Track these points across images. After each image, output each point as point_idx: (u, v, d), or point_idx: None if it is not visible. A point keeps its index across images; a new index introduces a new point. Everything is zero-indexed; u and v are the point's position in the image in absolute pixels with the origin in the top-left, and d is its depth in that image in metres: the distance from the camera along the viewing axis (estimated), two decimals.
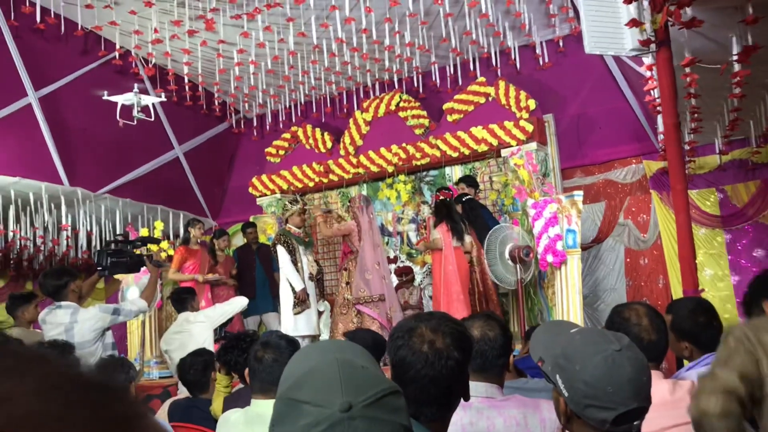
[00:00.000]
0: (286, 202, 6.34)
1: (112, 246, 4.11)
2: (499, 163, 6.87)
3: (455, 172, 7.16)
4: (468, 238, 5.77)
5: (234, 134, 9.08)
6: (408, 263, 7.16)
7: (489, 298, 5.87)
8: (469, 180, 6.41)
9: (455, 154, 6.79)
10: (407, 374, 1.31)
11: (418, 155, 7.00)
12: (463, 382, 1.35)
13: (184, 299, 4.70)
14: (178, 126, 8.21)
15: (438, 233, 5.61)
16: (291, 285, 5.94)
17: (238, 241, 8.46)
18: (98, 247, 6.63)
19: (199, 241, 6.75)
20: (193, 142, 8.55)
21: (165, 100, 6.87)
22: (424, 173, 7.48)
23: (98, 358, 3.44)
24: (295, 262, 5.99)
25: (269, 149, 8.35)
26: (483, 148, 6.61)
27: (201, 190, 8.84)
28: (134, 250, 4.10)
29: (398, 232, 7.63)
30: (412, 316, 1.41)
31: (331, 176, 7.66)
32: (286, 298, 6.00)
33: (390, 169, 7.27)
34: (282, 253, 6.02)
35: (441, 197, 5.70)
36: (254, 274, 7.08)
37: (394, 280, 7.10)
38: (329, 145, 7.90)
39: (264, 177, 8.14)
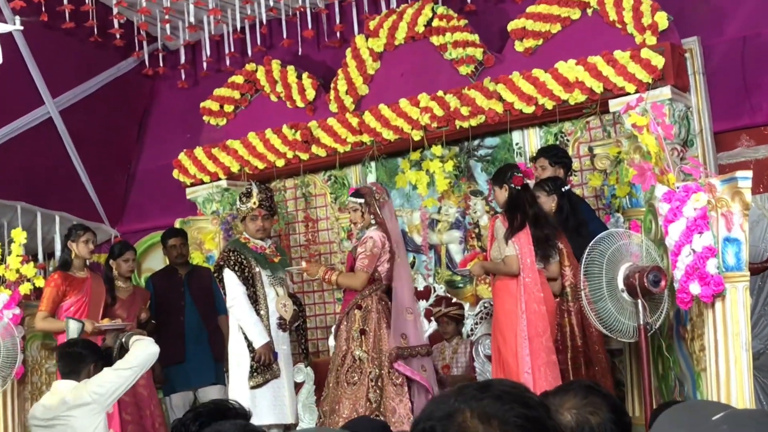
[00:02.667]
0: (238, 196, 6.36)
1: None
2: (605, 125, 6.87)
3: (529, 140, 7.15)
4: (557, 258, 5.76)
5: (146, 78, 9.12)
6: (451, 299, 7.15)
7: (591, 358, 5.87)
8: (555, 153, 6.39)
9: (529, 109, 6.78)
10: None
11: (464, 111, 6.99)
12: None
13: (81, 357, 4.91)
14: (52, 65, 8.25)
15: (513, 247, 5.61)
16: (246, 338, 5.95)
17: (156, 262, 8.51)
18: None
19: (87, 263, 6.80)
20: (77, 92, 8.59)
21: (22, 28, 6.85)
22: (476, 142, 7.43)
23: None
24: (254, 299, 6.00)
25: (207, 103, 8.35)
26: (577, 98, 6.60)
27: (90, 175, 8.86)
28: None
29: (431, 245, 7.63)
30: (451, 392, 1.42)
31: (314, 149, 7.66)
32: (238, 362, 6.02)
33: (416, 135, 7.27)
34: (232, 282, 6.02)
35: (517, 183, 5.71)
36: (182, 320, 7.16)
37: (426, 328, 7.09)
38: (311, 94, 7.90)
39: (199, 151, 8.14)
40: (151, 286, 7.40)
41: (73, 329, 5.90)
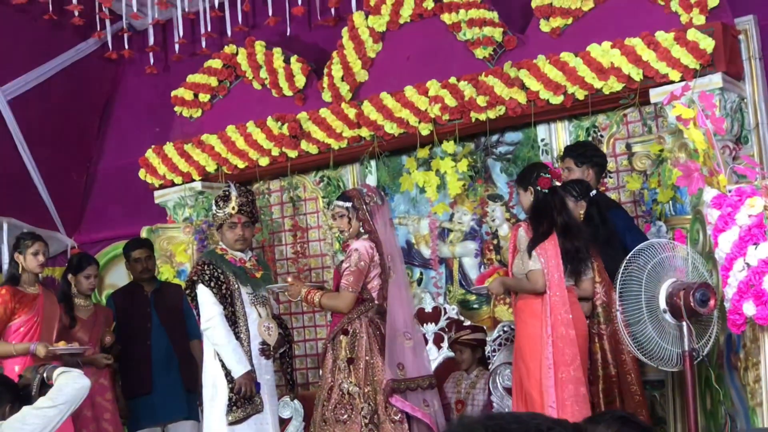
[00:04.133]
0: (214, 200, 6.34)
1: None
2: (645, 118, 6.89)
3: (557, 136, 7.16)
4: (590, 274, 5.76)
5: (109, 63, 9.14)
6: (463, 321, 7.18)
7: (626, 390, 5.85)
8: (583, 152, 6.38)
9: (557, 99, 6.79)
10: None
11: (481, 101, 7.00)
12: None
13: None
14: None
15: (538, 260, 5.60)
16: (224, 366, 5.95)
17: (119, 277, 8.53)
18: None
19: (40, 278, 6.84)
20: (28, 79, 8.56)
21: None
22: (495, 138, 7.45)
23: None
24: (233, 320, 5.99)
25: (179, 92, 8.38)
26: (613, 87, 6.60)
27: (43, 175, 8.85)
28: None
29: (441, 259, 7.65)
30: (466, 422, 1.45)
31: (304, 145, 7.69)
32: (214, 393, 6.01)
33: (425, 129, 7.28)
34: (207, 301, 6.01)
35: (543, 186, 5.68)
36: (148, 344, 7.18)
37: (434, 356, 7.10)
38: (300, 81, 7.93)
39: (169, 148, 8.18)
40: (112, 305, 7.41)
41: None
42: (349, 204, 5.95)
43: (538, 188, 5.71)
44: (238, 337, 6.00)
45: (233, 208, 6.16)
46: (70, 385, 4.71)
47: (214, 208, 6.30)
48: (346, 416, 5.72)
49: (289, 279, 6.26)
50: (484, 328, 6.97)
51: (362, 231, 5.93)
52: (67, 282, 7.03)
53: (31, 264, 6.65)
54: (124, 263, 7.66)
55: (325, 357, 5.97)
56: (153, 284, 7.41)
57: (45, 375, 4.82)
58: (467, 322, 7.11)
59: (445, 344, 7.11)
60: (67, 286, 7.01)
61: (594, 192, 6.16)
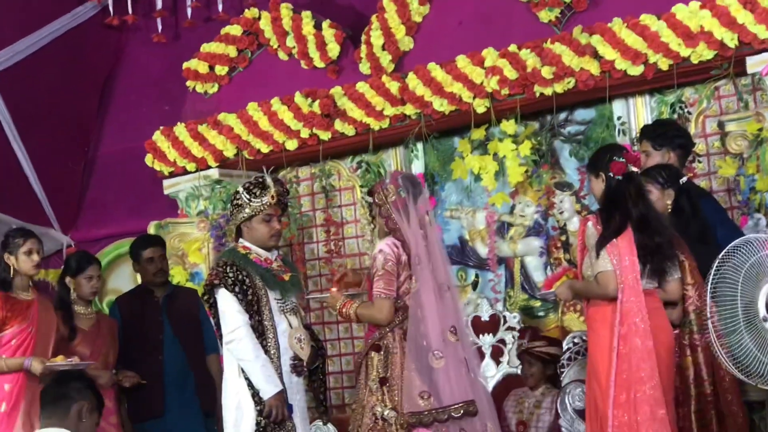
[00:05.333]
0: (240, 190, 6.25)
1: None
2: (741, 92, 6.87)
3: (636, 113, 7.17)
4: (677, 275, 5.76)
5: (111, 30, 9.17)
6: (540, 331, 7.24)
7: (726, 411, 5.81)
8: (662, 133, 6.36)
9: (636, 70, 6.79)
10: None
11: (546, 73, 7.01)
12: None
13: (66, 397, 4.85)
14: None
15: (609, 260, 5.61)
16: (251, 385, 5.89)
17: (122, 281, 8.57)
18: None
19: (32, 280, 6.79)
20: (17, 49, 8.58)
21: None
22: (563, 116, 7.49)
23: None
24: (260, 332, 5.93)
25: (192, 64, 8.45)
26: (703, 55, 6.59)
27: (35, 163, 8.89)
28: None
29: (500, 259, 7.67)
30: None
31: (339, 125, 7.73)
32: (238, 417, 5.95)
33: (480, 106, 7.30)
34: (230, 309, 5.95)
35: (617, 172, 5.63)
36: (160, 359, 7.17)
37: (488, 372, 7.10)
38: (334, 51, 7.98)
39: (180, 129, 8.24)
40: (117, 313, 7.38)
41: None
42: (371, 200, 6.03)
43: (611, 174, 5.65)
44: (266, 351, 5.87)
45: (272, 197, 6.08)
46: None
47: (245, 196, 6.09)
48: None
49: (333, 289, 6.20)
50: (562, 342, 6.92)
51: (386, 230, 5.96)
52: (64, 286, 7.00)
53: (25, 265, 6.60)
54: (132, 265, 7.60)
55: (359, 376, 5.99)
56: (165, 288, 7.37)
57: None
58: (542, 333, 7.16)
59: (505, 359, 7.13)
60: (65, 290, 6.99)
61: (684, 179, 6.13)
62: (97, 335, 7.00)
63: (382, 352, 5.82)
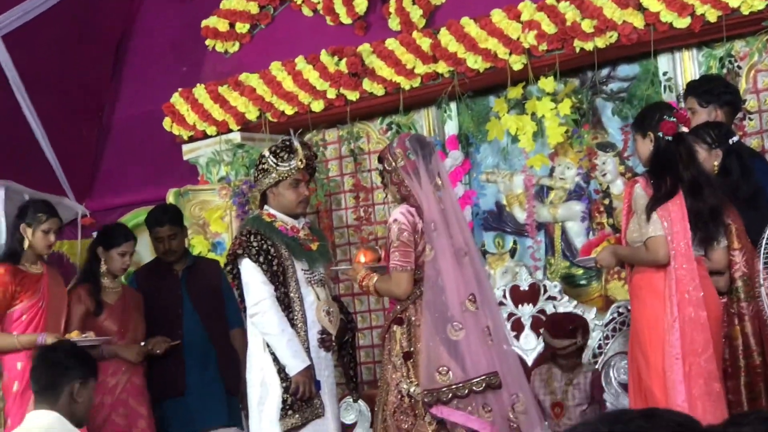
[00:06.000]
0: (265, 153, 6.25)
1: None
2: None
3: (683, 68, 7.16)
4: (724, 241, 5.74)
5: None
6: (566, 303, 7.24)
7: None
8: (709, 90, 6.33)
9: (682, 22, 6.77)
10: None
11: (586, 26, 7.01)
12: None
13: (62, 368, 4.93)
14: None
15: (660, 224, 5.58)
16: (276, 361, 5.94)
17: (143, 252, 8.57)
18: None
19: (45, 253, 6.87)
20: (26, 8, 8.49)
21: None
22: (605, 72, 7.48)
23: None
24: (286, 304, 5.96)
25: (212, 21, 8.48)
26: (754, 4, 6.58)
27: (47, 128, 8.91)
28: None
29: (540, 224, 7.69)
30: (601, 418, 1.47)
31: (367, 84, 7.75)
32: (263, 395, 6.02)
33: (517, 63, 7.31)
34: (254, 280, 5.99)
35: (667, 132, 5.62)
36: (180, 334, 7.19)
37: (527, 345, 7.15)
38: (362, 5, 8.00)
39: (200, 91, 8.28)
40: (135, 286, 7.43)
41: None
42: (380, 166, 5.98)
43: (660, 134, 5.64)
44: (293, 325, 5.92)
45: (301, 161, 6.10)
46: None
47: (271, 160, 6.11)
48: (408, 424, 5.70)
49: (362, 256, 6.15)
50: (584, 316, 6.91)
51: (398, 197, 5.93)
52: (95, 257, 7.00)
53: (40, 243, 6.68)
54: (148, 235, 7.58)
55: (383, 352, 6.00)
56: (184, 261, 7.38)
57: None
58: (562, 306, 7.14)
59: None
60: (95, 262, 7.00)
61: (736, 138, 6.10)
62: (124, 309, 7.05)
63: (404, 326, 5.80)
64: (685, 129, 5.69)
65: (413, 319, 5.76)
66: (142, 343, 7.02)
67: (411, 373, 5.71)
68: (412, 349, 5.74)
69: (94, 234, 7.52)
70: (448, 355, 5.63)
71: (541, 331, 6.99)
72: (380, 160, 5.97)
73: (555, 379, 6.80)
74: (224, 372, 7.21)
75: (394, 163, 5.83)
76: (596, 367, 6.87)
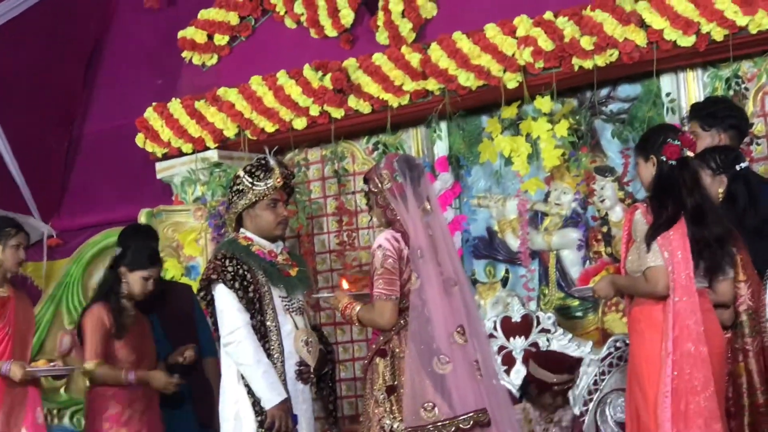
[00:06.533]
0: (240, 173, 6.21)
1: None
2: None
3: (686, 89, 7.15)
4: (730, 273, 5.71)
5: None
6: (560, 336, 7.20)
7: None
8: (712, 113, 6.31)
9: (687, 41, 6.76)
10: None
11: (585, 43, 7.00)
12: None
13: None
14: None
15: (661, 254, 5.59)
16: (251, 393, 5.91)
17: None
18: None
19: (15, 271, 6.83)
20: None
21: None
22: (604, 92, 7.48)
23: None
24: (262, 333, 5.93)
25: (189, 32, 8.50)
26: (762, 23, 6.55)
27: (12, 142, 8.95)
28: None
29: (534, 252, 7.68)
30: None
31: (353, 102, 7.74)
32: (237, 428, 5.98)
33: (511, 81, 7.29)
34: (229, 307, 5.96)
35: (670, 156, 5.61)
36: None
37: (518, 380, 7.09)
38: (348, 17, 8.01)
39: (175, 106, 8.27)
40: None
41: None
42: (366, 188, 5.94)
43: (663, 158, 5.61)
44: (269, 355, 5.88)
45: (278, 180, 6.08)
46: None
47: (247, 180, 6.09)
48: None
49: (345, 284, 6.13)
50: (571, 357, 6.91)
51: (384, 221, 5.90)
52: (116, 277, 6.83)
53: (10, 259, 6.63)
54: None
55: (366, 385, 5.91)
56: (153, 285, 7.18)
57: None
58: (556, 339, 7.11)
59: None
60: (116, 281, 6.82)
61: (744, 164, 6.06)
62: (141, 335, 6.92)
63: (388, 358, 5.75)
64: (690, 153, 5.66)
65: (397, 350, 5.70)
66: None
67: (394, 409, 5.65)
68: (395, 382, 5.68)
69: (91, 241, 7.52)
70: (434, 389, 5.56)
71: (531, 366, 6.93)
72: (366, 181, 5.91)
73: (533, 420, 6.84)
74: (197, 404, 7.18)
75: (380, 185, 5.77)
76: (591, 405, 6.82)
